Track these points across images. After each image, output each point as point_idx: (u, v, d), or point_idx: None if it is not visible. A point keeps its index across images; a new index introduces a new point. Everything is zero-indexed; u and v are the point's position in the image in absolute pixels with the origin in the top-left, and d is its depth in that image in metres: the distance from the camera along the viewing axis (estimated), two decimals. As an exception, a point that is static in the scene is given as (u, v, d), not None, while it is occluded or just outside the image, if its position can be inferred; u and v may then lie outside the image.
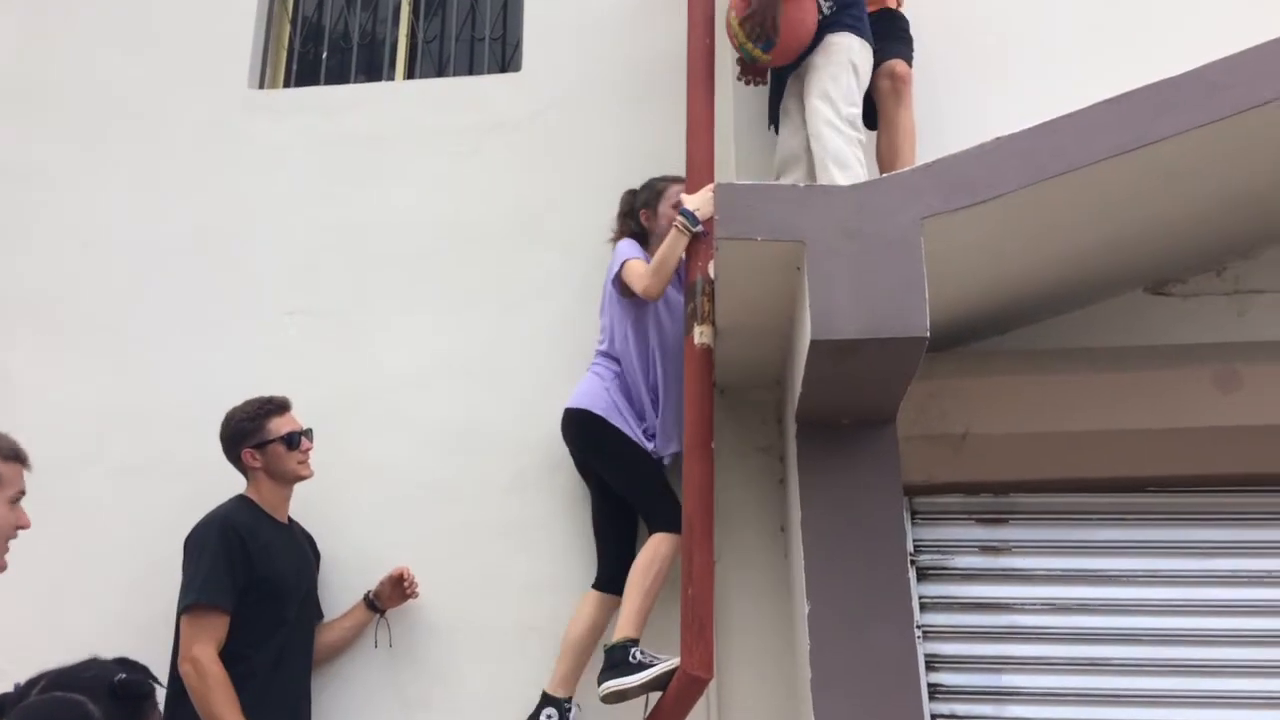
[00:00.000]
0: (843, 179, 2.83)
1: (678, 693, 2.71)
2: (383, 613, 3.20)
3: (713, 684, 2.79)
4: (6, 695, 1.89)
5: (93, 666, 1.95)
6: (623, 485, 3.08)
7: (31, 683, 1.88)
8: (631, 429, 3.06)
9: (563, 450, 3.26)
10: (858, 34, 3.13)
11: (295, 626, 3.01)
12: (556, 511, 3.29)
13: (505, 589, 3.23)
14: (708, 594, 2.75)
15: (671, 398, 3.10)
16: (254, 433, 3.07)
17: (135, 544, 3.40)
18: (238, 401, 3.26)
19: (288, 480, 3.13)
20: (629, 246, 3.16)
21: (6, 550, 2.15)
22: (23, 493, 2.20)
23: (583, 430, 3.10)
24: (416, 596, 3.18)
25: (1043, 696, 2.72)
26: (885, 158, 3.20)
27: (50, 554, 3.42)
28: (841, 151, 2.96)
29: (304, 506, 3.32)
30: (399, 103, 3.92)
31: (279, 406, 3.13)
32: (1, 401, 3.67)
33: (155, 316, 3.70)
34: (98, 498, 3.49)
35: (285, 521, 3.15)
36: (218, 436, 3.12)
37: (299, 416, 3.16)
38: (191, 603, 2.88)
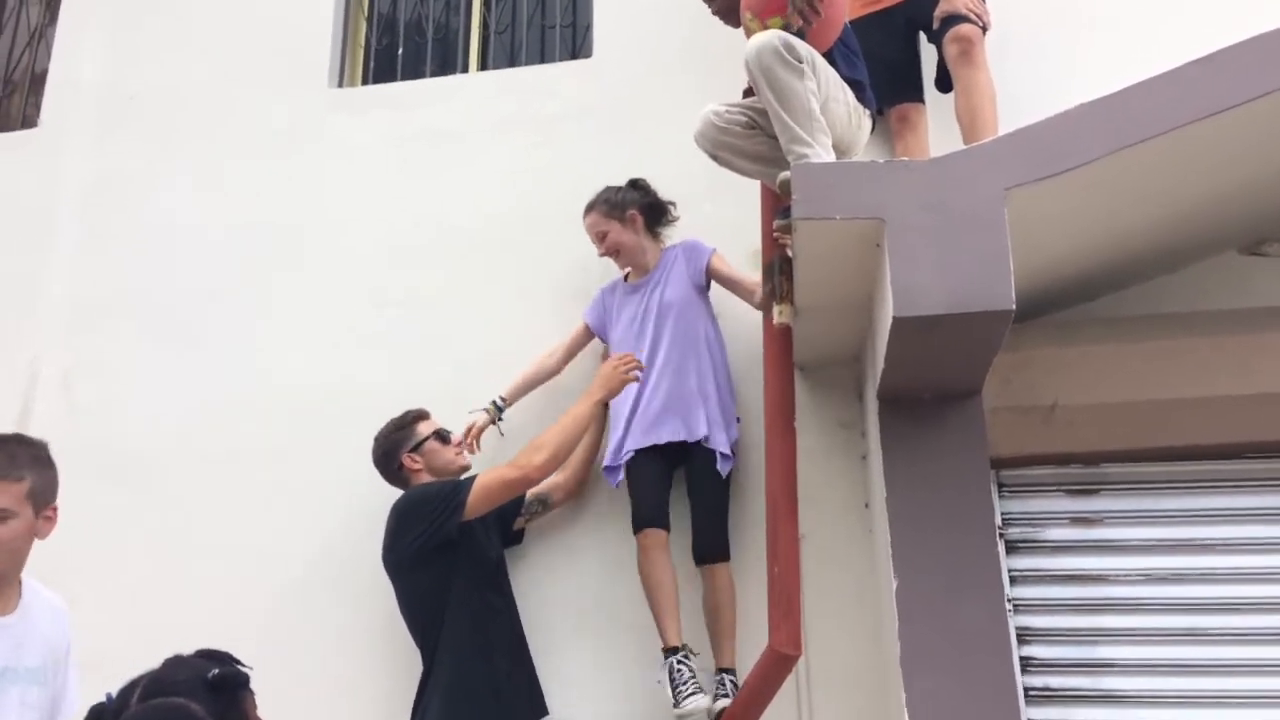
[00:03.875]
0: (789, 117, 2.64)
1: (766, 670, 2.73)
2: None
3: (801, 661, 2.81)
4: (103, 706, 1.87)
5: (183, 666, 1.92)
6: None
7: (127, 691, 1.86)
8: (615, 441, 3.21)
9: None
10: (845, 77, 2.86)
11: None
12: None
13: (593, 567, 3.29)
14: (794, 571, 2.76)
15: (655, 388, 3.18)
16: (407, 439, 3.19)
17: (225, 531, 3.54)
18: (323, 392, 3.39)
19: (451, 473, 3.19)
20: None
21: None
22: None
23: None
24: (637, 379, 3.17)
25: (1139, 667, 2.69)
26: (965, 121, 3.13)
27: (146, 541, 3.59)
28: (786, 84, 2.63)
29: (390, 495, 3.41)
30: (473, 94, 3.97)
31: (420, 414, 3.26)
32: (97, 395, 3.84)
33: (242, 312, 3.83)
34: (191, 487, 3.63)
35: None
36: (372, 461, 3.21)
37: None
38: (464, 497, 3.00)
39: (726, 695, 2.92)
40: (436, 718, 2.90)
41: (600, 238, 3.35)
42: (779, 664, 2.71)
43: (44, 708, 2.38)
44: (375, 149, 3.94)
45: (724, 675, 2.98)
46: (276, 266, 3.86)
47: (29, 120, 4.51)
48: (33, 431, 3.76)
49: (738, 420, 3.23)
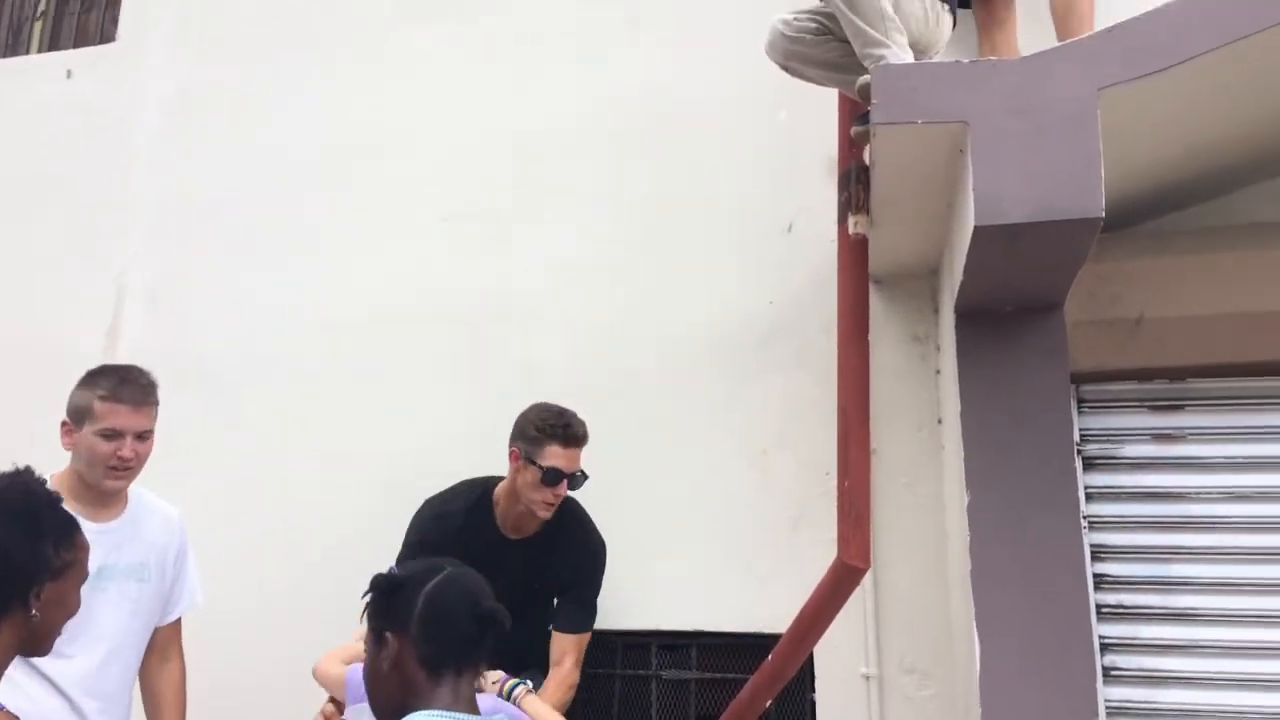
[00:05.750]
0: (860, 20, 2.56)
1: (835, 582, 2.74)
2: None
3: (869, 574, 2.81)
4: (392, 575, 1.80)
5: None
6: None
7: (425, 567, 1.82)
8: None
9: (715, 342, 3.31)
10: None
11: None
12: (712, 404, 3.33)
13: (664, 482, 3.31)
14: (864, 484, 2.75)
15: None
16: (530, 445, 2.86)
17: (306, 442, 3.64)
18: (401, 305, 3.42)
19: (520, 503, 2.90)
20: None
21: (116, 478, 2.51)
22: (116, 430, 2.48)
23: None
24: None
25: (1216, 586, 2.64)
26: (1059, 12, 2.96)
27: (227, 453, 3.70)
28: None
29: (466, 408, 3.46)
30: (542, 1, 3.91)
31: (570, 437, 2.85)
32: (181, 308, 3.94)
33: (319, 223, 3.88)
34: (281, 394, 3.73)
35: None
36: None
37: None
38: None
39: None
40: None
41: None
42: (848, 576, 2.72)
43: (144, 600, 2.60)
44: (444, 57, 3.91)
45: None
46: (344, 177, 3.89)
47: (107, 35, 4.56)
48: (122, 343, 3.94)
49: None
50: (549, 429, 2.83)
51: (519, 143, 3.72)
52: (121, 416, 2.51)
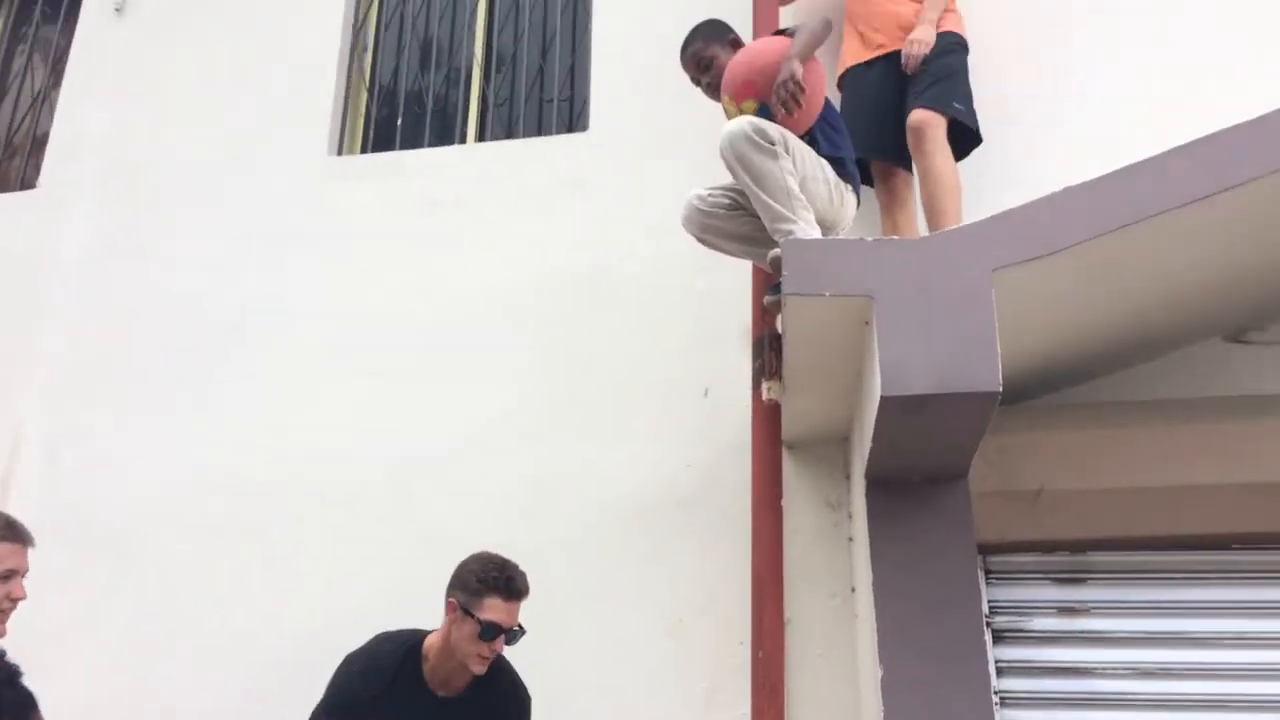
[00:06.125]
0: (769, 197, 2.67)
1: (749, 757, 2.67)
2: None
3: (783, 748, 2.74)
4: None
5: None
6: None
7: None
8: None
9: (633, 509, 3.28)
10: (826, 155, 2.88)
11: None
12: (627, 569, 3.28)
13: (578, 648, 3.21)
14: (778, 655, 2.72)
15: None
16: (470, 596, 2.73)
17: (212, 603, 3.49)
18: (312, 466, 3.36)
19: (454, 658, 2.76)
20: None
21: (4, 621, 2.44)
22: (14, 570, 2.45)
23: None
24: None
25: (1128, 765, 2.62)
26: (927, 209, 3.14)
27: (125, 612, 3.54)
28: (761, 166, 2.67)
29: (378, 570, 3.36)
30: (471, 165, 4.01)
31: (512, 590, 2.74)
32: (84, 463, 3.81)
33: (235, 380, 3.82)
34: (175, 558, 3.59)
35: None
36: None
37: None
38: None
39: None
40: None
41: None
42: (762, 751, 2.65)
43: None
44: (372, 217, 3.96)
45: None
46: (267, 332, 3.85)
47: (28, 182, 4.54)
48: (13, 494, 3.77)
49: None
50: (490, 580, 2.72)
51: (437, 305, 3.74)
52: (19, 556, 2.51)
